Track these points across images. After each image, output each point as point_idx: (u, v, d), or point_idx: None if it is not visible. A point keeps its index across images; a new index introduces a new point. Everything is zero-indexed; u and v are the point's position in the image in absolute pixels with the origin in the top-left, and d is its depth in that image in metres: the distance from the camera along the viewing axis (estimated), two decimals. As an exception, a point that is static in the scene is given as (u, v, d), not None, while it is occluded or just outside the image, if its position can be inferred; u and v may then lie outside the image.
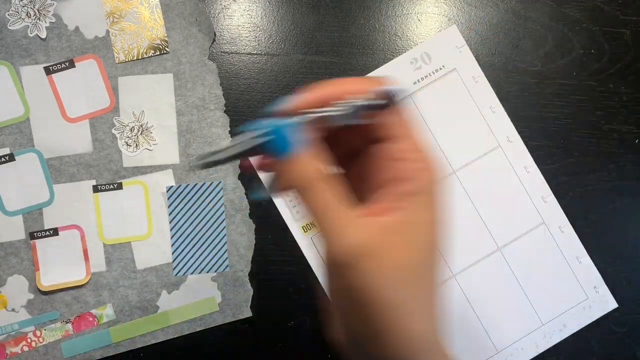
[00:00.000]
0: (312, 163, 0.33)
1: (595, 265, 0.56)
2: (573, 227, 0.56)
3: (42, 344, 0.54)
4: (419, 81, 0.56)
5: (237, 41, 0.57)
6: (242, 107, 0.56)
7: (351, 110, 0.33)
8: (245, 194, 0.55)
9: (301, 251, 0.56)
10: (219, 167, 0.55)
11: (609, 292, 0.56)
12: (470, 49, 0.57)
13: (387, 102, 0.33)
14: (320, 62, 0.57)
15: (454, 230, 0.56)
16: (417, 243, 0.32)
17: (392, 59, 0.56)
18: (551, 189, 0.56)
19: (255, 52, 0.57)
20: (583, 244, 0.56)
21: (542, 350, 0.56)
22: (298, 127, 0.33)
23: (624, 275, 0.57)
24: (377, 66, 0.56)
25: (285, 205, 0.55)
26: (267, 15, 0.57)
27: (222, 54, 0.56)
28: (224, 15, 0.57)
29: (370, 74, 0.56)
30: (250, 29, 0.57)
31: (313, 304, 0.56)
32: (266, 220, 0.55)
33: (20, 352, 0.54)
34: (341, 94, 0.33)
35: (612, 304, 0.56)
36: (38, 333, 0.54)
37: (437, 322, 0.32)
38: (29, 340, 0.54)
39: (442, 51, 0.56)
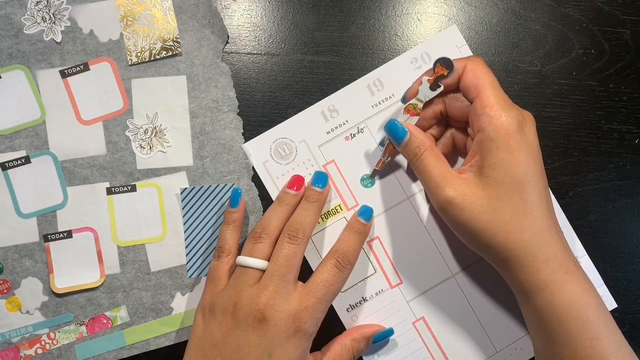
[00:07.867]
0: (416, 141, 0.48)
1: (595, 265, 0.56)
2: (573, 227, 0.56)
3: (56, 347, 0.55)
4: (419, 81, 0.56)
5: (237, 41, 0.57)
6: (242, 106, 0.57)
7: (428, 85, 0.48)
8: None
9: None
10: (233, 169, 0.56)
11: (608, 292, 0.56)
12: (470, 49, 0.56)
13: (447, 67, 0.48)
14: (320, 62, 0.57)
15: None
16: (495, 179, 0.45)
17: (392, 58, 0.56)
18: (551, 189, 0.56)
19: (255, 52, 0.57)
20: (583, 244, 0.56)
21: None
22: (403, 119, 0.50)
23: (623, 275, 0.57)
24: (377, 66, 0.56)
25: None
26: (267, 15, 0.57)
27: (222, 53, 0.57)
28: (223, 15, 0.57)
29: (370, 74, 0.56)
30: (250, 29, 0.57)
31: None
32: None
33: (34, 354, 0.55)
34: (418, 82, 0.49)
35: (612, 304, 0.56)
36: (52, 335, 0.55)
37: (532, 233, 0.44)
38: (42, 342, 0.55)
39: (442, 51, 0.56)
